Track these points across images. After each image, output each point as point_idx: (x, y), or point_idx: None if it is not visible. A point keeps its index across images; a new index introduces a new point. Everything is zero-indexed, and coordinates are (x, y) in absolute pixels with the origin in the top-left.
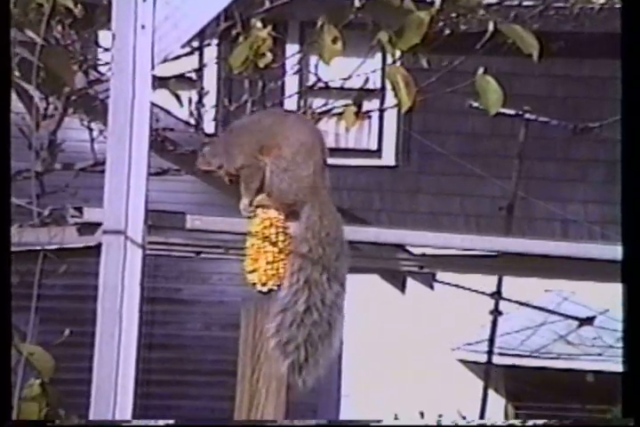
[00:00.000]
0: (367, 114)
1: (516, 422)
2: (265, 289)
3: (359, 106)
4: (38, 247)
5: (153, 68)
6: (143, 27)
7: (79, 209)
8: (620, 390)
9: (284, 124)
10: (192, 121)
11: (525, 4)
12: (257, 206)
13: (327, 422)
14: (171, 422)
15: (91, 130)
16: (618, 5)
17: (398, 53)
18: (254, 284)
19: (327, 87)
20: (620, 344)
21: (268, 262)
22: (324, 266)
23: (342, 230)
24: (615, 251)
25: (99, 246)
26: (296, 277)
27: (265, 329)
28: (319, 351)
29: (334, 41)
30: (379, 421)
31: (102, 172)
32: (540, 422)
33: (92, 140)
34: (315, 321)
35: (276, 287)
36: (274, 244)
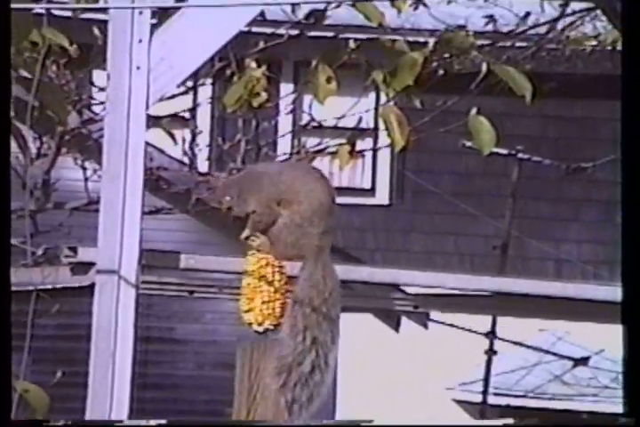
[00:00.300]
0: (361, 153)
1: (513, 421)
2: (261, 329)
3: (353, 145)
4: (31, 287)
5: (147, 108)
6: (138, 68)
7: (73, 249)
8: None
9: (306, 182)
10: (186, 160)
11: (518, 44)
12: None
13: (320, 423)
14: (163, 421)
15: (84, 169)
16: (609, 47)
17: (392, 93)
18: (250, 323)
19: (321, 126)
20: (616, 385)
21: (263, 302)
22: (328, 326)
23: (340, 292)
24: (609, 291)
25: (92, 286)
26: (302, 337)
27: (262, 369)
28: (314, 408)
29: (328, 80)
30: (370, 421)
31: (96, 211)
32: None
33: (86, 179)
34: (317, 382)
35: (272, 327)
36: (270, 283)
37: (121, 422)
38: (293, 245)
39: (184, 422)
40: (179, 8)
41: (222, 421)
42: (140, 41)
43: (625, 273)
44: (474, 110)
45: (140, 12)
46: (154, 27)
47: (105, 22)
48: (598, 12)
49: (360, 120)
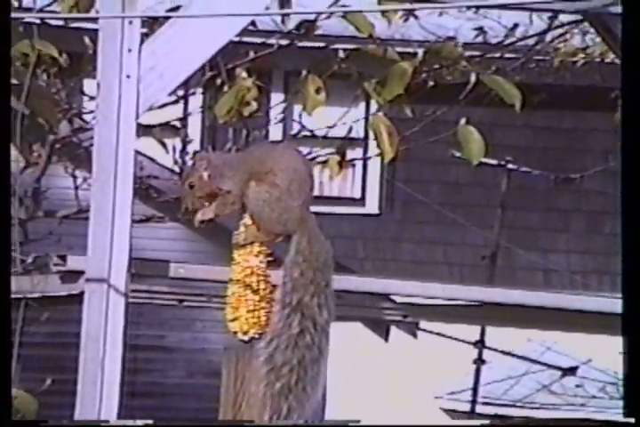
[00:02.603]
0: (351, 162)
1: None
2: (246, 338)
3: (343, 155)
4: (20, 295)
5: (137, 116)
6: (128, 76)
7: (62, 257)
8: None
9: (275, 152)
10: (176, 169)
11: (507, 56)
12: (244, 244)
13: (306, 423)
14: (150, 421)
15: (75, 177)
16: (598, 59)
17: (382, 102)
18: (235, 332)
19: (311, 136)
20: (603, 394)
21: (249, 311)
22: (315, 290)
23: (332, 259)
24: (598, 301)
25: (81, 294)
26: (288, 299)
27: (247, 377)
28: (309, 375)
29: (317, 91)
30: (357, 421)
31: (86, 219)
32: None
33: (76, 187)
34: (307, 344)
35: (257, 336)
36: (255, 292)
37: (107, 422)
38: (278, 221)
39: (170, 423)
40: (169, 18)
41: (211, 421)
42: (130, 50)
43: (625, 284)
44: (463, 120)
45: (130, 22)
46: (144, 36)
47: (96, 31)
48: (587, 24)
49: (350, 130)
